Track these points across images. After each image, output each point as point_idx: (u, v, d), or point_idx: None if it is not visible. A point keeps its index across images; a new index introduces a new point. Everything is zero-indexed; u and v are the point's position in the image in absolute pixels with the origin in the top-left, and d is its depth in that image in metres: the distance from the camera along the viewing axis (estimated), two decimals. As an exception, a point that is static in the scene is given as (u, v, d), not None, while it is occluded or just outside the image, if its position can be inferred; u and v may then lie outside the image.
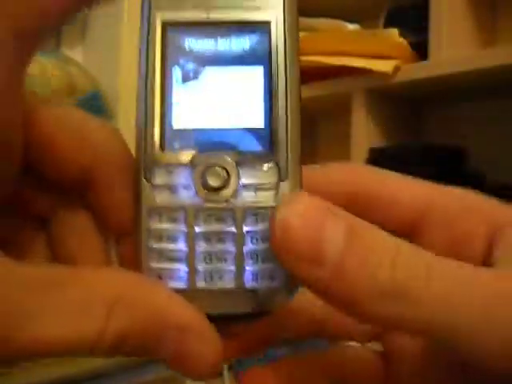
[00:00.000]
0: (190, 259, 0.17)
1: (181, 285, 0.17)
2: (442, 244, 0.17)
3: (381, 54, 0.73)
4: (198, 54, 0.18)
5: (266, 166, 0.17)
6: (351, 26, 0.81)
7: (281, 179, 0.17)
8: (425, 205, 0.18)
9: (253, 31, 0.18)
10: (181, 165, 0.17)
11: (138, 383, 0.44)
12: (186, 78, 0.18)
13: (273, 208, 0.16)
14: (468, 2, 0.72)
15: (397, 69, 0.71)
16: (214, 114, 0.18)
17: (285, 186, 0.17)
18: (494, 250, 0.16)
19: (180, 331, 0.15)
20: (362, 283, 0.14)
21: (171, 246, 0.17)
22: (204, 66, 0.18)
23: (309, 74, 0.85)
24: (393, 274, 0.14)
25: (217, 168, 0.17)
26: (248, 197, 0.17)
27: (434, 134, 0.90)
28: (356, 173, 0.19)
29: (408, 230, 0.18)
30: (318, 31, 0.82)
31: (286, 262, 0.15)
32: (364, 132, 0.77)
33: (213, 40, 0.18)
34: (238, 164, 0.17)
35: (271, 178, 0.17)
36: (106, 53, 0.92)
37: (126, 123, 0.87)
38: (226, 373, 0.48)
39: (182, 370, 0.16)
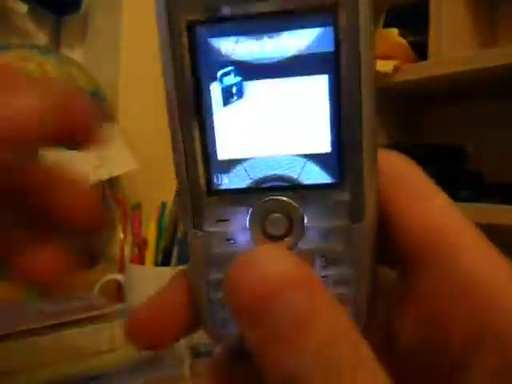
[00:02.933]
0: None
1: None
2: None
3: (381, 53, 0.73)
4: (241, 63, 0.14)
5: (335, 204, 0.14)
6: (351, 26, 0.81)
7: (355, 220, 0.14)
8: (436, 240, 0.14)
9: (312, 22, 0.13)
10: (234, 207, 0.14)
11: (138, 383, 0.44)
12: (228, 98, 0.14)
13: (346, 254, 0.14)
14: (468, 2, 0.72)
15: (396, 69, 0.71)
16: (267, 140, 0.14)
17: (360, 230, 0.14)
18: None
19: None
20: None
21: None
22: (250, 79, 0.14)
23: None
24: None
25: (277, 214, 0.14)
26: (316, 241, 0.14)
27: (434, 134, 0.90)
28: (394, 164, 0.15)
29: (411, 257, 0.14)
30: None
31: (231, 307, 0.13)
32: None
33: (258, 40, 0.13)
34: (302, 203, 0.14)
35: (343, 220, 0.14)
36: (106, 53, 0.92)
37: (126, 123, 0.87)
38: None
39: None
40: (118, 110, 0.86)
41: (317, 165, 0.14)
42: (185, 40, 0.13)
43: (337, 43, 0.13)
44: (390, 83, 0.71)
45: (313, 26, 0.13)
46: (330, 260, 0.14)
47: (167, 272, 0.58)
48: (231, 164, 0.14)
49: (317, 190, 0.14)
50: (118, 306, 0.51)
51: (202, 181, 0.14)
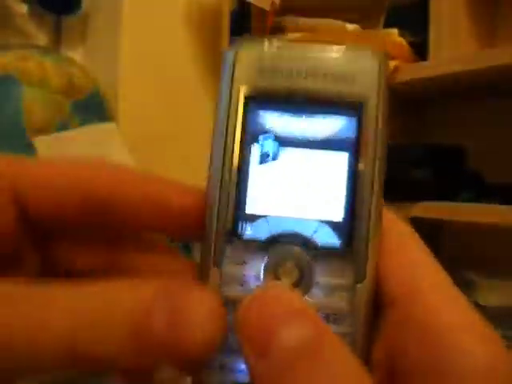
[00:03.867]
0: None
1: (243, 379, 0.15)
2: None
3: (381, 53, 0.73)
4: (280, 133, 0.17)
5: (342, 265, 0.16)
6: (351, 26, 0.81)
7: (357, 281, 0.16)
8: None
9: (342, 113, 0.17)
10: (252, 255, 0.16)
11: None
12: (264, 159, 0.17)
13: (347, 313, 0.16)
14: (468, 1, 0.72)
15: (396, 69, 0.71)
16: (290, 201, 0.17)
17: (361, 290, 0.16)
18: None
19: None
20: None
21: None
22: (285, 146, 0.17)
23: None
24: None
25: (290, 264, 0.16)
26: (321, 297, 0.16)
27: (434, 134, 0.90)
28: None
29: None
30: (318, 31, 0.82)
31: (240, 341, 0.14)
32: (364, 132, 0.77)
33: (297, 118, 0.17)
34: (313, 260, 0.16)
35: (347, 279, 0.16)
36: (106, 53, 0.92)
37: (126, 123, 0.86)
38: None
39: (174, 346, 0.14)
40: (117, 110, 0.86)
41: (329, 228, 0.16)
42: (240, 108, 0.17)
43: (358, 131, 0.16)
44: (390, 83, 0.71)
45: (342, 115, 0.17)
46: (331, 319, 0.16)
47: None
48: (256, 217, 0.17)
49: (327, 251, 0.16)
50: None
51: (229, 226, 0.16)
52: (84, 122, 0.72)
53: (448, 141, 0.85)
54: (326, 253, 0.16)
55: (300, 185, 0.17)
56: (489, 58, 0.61)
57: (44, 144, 0.66)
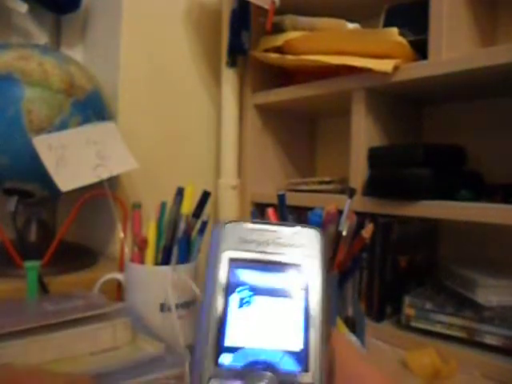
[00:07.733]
0: None
1: None
2: None
3: (381, 53, 0.73)
4: (252, 285, 0.23)
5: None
6: (351, 26, 0.81)
7: None
8: None
9: (295, 270, 0.24)
10: (232, 380, 0.20)
11: (138, 383, 0.44)
12: (241, 304, 0.23)
13: None
14: (468, 1, 0.72)
15: (396, 68, 0.71)
16: (261, 336, 0.22)
17: None
18: None
19: None
20: None
21: None
22: (256, 294, 0.23)
23: (309, 74, 0.85)
24: None
25: None
26: None
27: (434, 134, 0.90)
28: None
29: None
30: (318, 30, 0.82)
31: None
32: (364, 131, 0.77)
33: (265, 274, 0.23)
34: (280, 381, 0.20)
35: None
36: (106, 53, 0.92)
37: (126, 123, 0.86)
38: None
39: None
40: (117, 110, 0.86)
41: (291, 357, 0.21)
42: (225, 267, 0.23)
43: (307, 283, 0.23)
44: (390, 83, 0.71)
45: (295, 271, 0.24)
46: None
47: (167, 271, 0.58)
48: (234, 349, 0.21)
49: (290, 374, 0.21)
50: (119, 305, 0.51)
51: (212, 358, 0.21)
52: (84, 121, 0.72)
53: (448, 141, 0.85)
54: (290, 376, 0.21)
55: (268, 324, 0.22)
56: (489, 57, 0.62)
57: (44, 144, 0.66)
